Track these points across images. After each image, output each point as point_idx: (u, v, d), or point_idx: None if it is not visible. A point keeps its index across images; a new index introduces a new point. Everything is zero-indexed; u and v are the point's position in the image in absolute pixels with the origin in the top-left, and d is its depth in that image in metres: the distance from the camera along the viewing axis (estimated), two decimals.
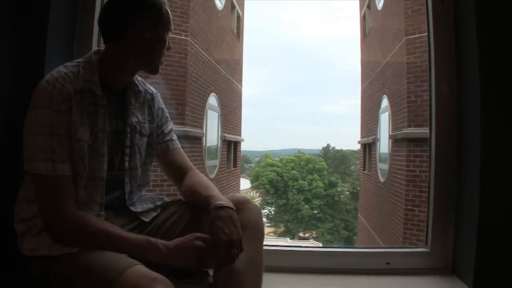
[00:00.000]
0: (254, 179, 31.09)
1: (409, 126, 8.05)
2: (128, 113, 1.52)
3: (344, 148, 36.80)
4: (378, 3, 11.50)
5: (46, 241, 1.33)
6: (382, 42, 11.07)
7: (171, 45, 1.53)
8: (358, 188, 28.93)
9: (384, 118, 10.49)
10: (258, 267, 1.42)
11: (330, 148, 36.38)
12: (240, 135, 14.20)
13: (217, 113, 11.00)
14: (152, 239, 1.35)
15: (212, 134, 10.35)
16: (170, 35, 1.56)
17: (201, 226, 1.41)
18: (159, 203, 1.61)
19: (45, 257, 1.33)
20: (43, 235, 1.34)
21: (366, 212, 13.20)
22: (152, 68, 1.50)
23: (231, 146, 12.89)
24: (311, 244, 18.35)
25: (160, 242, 1.34)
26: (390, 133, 9.62)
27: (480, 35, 1.62)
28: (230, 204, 1.39)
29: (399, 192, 8.51)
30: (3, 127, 1.59)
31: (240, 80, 14.05)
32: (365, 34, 14.23)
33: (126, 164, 1.51)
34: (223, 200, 1.40)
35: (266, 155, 36.41)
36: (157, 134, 1.63)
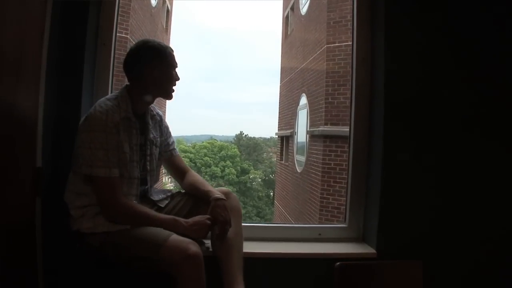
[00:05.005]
0: None
1: (326, 124, 8.89)
2: (148, 131, 2.07)
3: (257, 135, 37.08)
4: (302, 8, 12.14)
5: (101, 222, 1.87)
6: (304, 44, 11.77)
7: (179, 77, 2.07)
8: (271, 176, 29.74)
9: (303, 114, 11.25)
10: (240, 235, 2.02)
11: (243, 135, 36.61)
12: None
13: None
14: (177, 217, 1.94)
15: None
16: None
17: (200, 211, 2.01)
18: (169, 194, 2.19)
19: (103, 233, 1.86)
20: (98, 218, 1.87)
21: (283, 199, 13.99)
22: (166, 96, 2.07)
23: None
24: None
25: (182, 219, 1.94)
26: (308, 129, 10.38)
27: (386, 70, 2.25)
28: (223, 197, 2.01)
29: (315, 182, 9.31)
30: (52, 137, 2.04)
31: None
32: (287, 33, 14.90)
33: (148, 167, 2.06)
34: (218, 194, 2.01)
35: (178, 141, 35.77)
36: (164, 145, 2.19)
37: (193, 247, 1.76)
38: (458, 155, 2.29)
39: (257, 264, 2.11)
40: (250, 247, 2.15)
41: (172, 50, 2.04)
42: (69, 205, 1.91)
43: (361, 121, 2.44)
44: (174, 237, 1.79)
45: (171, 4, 14.49)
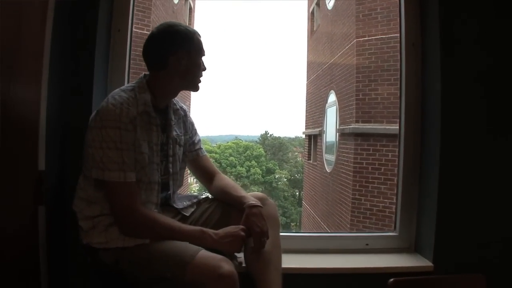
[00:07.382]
0: None
1: (357, 121, 8.56)
2: (171, 128, 1.80)
3: (282, 135, 37.22)
4: (329, 3, 11.89)
5: (114, 235, 1.61)
6: (331, 40, 11.47)
7: (205, 66, 1.80)
8: (296, 175, 29.65)
9: (331, 112, 10.98)
10: (278, 248, 1.76)
11: (268, 135, 36.77)
12: None
13: None
14: (204, 229, 1.67)
15: None
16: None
17: (231, 220, 1.75)
18: (194, 200, 1.93)
19: (117, 248, 1.60)
20: (111, 230, 1.61)
21: (311, 200, 13.72)
22: (193, 88, 1.81)
23: None
24: None
25: (211, 231, 1.67)
26: (338, 127, 10.09)
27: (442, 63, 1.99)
28: (259, 203, 1.73)
29: (346, 182, 9.01)
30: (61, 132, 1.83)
31: None
32: (312, 30, 14.65)
33: (171, 170, 1.80)
34: (253, 200, 1.74)
35: (203, 141, 35.73)
36: (189, 144, 1.92)
37: (226, 265, 1.51)
38: None
39: (298, 281, 1.91)
40: (289, 261, 1.92)
41: (200, 36, 1.78)
42: (78, 215, 1.67)
43: (412, 115, 2.20)
44: (203, 253, 1.54)
45: (194, 1, 14.46)
